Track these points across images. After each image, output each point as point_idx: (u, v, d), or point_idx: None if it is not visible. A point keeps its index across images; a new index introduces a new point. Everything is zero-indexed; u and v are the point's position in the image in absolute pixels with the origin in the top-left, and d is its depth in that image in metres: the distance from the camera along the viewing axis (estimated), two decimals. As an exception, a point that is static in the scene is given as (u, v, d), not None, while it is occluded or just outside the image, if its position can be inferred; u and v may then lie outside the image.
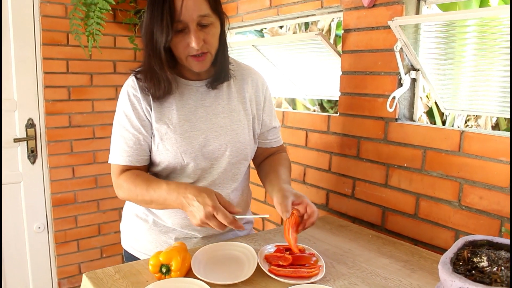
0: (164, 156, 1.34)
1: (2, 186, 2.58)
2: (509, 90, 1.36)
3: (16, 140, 2.55)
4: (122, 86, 1.38)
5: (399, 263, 1.29)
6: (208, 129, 1.36)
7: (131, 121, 1.32)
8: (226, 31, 1.34)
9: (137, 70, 1.36)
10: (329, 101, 4.29)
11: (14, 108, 2.55)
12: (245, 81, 1.45)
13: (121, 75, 2.82)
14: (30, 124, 2.60)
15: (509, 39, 1.28)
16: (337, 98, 1.83)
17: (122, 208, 1.77)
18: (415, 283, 1.17)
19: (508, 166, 1.28)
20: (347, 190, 1.78)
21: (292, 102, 4.36)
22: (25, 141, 2.60)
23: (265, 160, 1.54)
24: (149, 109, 1.32)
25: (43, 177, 2.70)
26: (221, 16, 1.30)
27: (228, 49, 1.38)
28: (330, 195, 1.87)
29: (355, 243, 1.44)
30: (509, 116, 1.38)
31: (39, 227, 2.74)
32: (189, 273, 1.18)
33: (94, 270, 1.21)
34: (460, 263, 0.95)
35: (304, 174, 2.00)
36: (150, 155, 1.36)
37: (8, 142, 2.55)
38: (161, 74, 1.28)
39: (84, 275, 1.19)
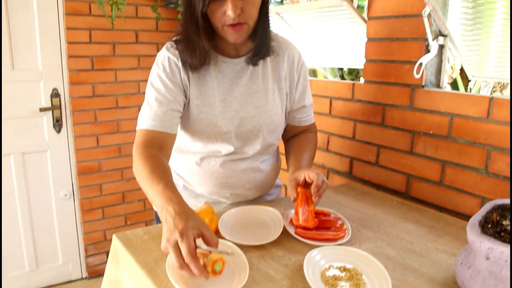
0: (198, 132, 1.35)
1: (30, 154, 2.64)
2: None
3: (42, 110, 2.60)
4: (144, 56, 1.37)
5: (424, 229, 1.30)
6: (242, 109, 1.34)
7: (167, 86, 1.27)
8: (269, 3, 1.28)
9: (175, 39, 1.31)
10: (350, 73, 4.23)
11: (39, 78, 2.58)
12: (281, 58, 1.38)
13: (143, 44, 2.82)
14: (55, 94, 2.63)
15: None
16: (361, 67, 1.81)
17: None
18: (441, 247, 1.18)
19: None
20: (371, 158, 1.78)
21: (313, 74, 4.32)
22: (51, 111, 2.64)
23: (293, 139, 1.52)
24: (187, 81, 1.29)
25: (68, 146, 2.75)
26: None
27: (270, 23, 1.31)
28: (353, 162, 1.87)
29: (380, 209, 1.45)
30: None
31: (65, 195, 2.80)
32: (216, 235, 1.20)
33: (123, 231, 1.24)
34: (489, 226, 0.95)
35: (328, 142, 2.00)
36: (179, 125, 1.34)
37: (34, 111, 2.59)
38: (198, 42, 1.23)
39: (114, 236, 1.23)
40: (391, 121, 1.68)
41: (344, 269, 1.02)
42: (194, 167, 1.43)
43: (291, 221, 1.27)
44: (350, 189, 1.63)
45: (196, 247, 0.93)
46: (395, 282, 0.98)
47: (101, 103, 2.78)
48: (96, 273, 3.01)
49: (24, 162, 2.63)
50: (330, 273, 1.01)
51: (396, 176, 1.68)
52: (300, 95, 1.44)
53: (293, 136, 1.52)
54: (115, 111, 2.84)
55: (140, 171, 1.15)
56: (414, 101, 1.59)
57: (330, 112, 1.97)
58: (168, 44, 1.32)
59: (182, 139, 1.41)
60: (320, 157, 2.04)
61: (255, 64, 1.33)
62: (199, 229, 0.95)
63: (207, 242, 0.96)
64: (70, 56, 2.62)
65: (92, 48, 2.68)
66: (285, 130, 1.51)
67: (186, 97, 1.31)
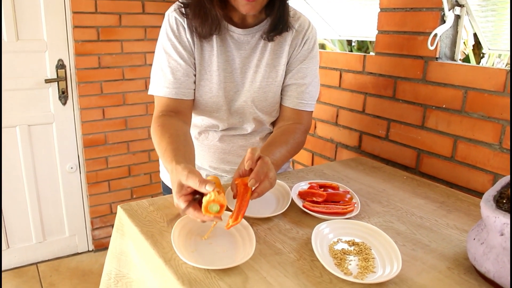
0: (197, 101, 1.31)
1: (36, 126, 2.63)
2: None
3: (47, 81, 2.57)
4: (151, 27, 1.33)
5: (434, 204, 1.27)
6: (240, 82, 1.30)
7: (178, 50, 1.23)
8: None
9: (184, 2, 1.24)
10: (359, 48, 4.15)
11: (44, 48, 2.55)
12: (289, 32, 1.28)
13: (150, 15, 2.77)
14: (61, 65, 2.60)
15: None
16: (372, 39, 1.75)
17: (151, 150, 1.78)
18: (451, 223, 1.15)
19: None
20: (381, 132, 1.74)
21: (322, 48, 4.25)
22: (56, 82, 2.61)
23: (276, 130, 1.33)
24: (192, 44, 1.25)
25: (74, 118, 2.74)
26: None
27: None
28: (363, 137, 1.84)
29: (389, 183, 1.42)
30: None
31: (71, 167, 2.80)
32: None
33: (128, 203, 1.23)
34: (504, 201, 0.92)
35: (337, 116, 1.96)
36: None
37: (39, 83, 2.57)
38: (210, 9, 1.18)
39: (119, 207, 1.21)
40: (402, 94, 1.64)
41: (353, 243, 1.00)
42: (193, 141, 1.42)
43: (299, 194, 1.24)
44: (359, 164, 1.60)
45: (193, 198, 0.96)
46: (405, 257, 0.96)
47: (107, 75, 2.75)
48: (102, 246, 3.03)
49: (30, 134, 2.62)
50: (339, 247, 0.99)
51: (406, 151, 1.65)
52: (297, 72, 1.30)
53: (279, 126, 1.35)
54: (121, 83, 2.81)
55: (156, 140, 1.18)
56: (427, 74, 1.54)
57: (339, 85, 1.93)
58: (175, 5, 1.27)
59: None
60: (329, 131, 2.01)
61: (271, 39, 1.26)
62: (184, 185, 0.96)
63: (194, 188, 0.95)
64: (75, 27, 2.58)
65: (98, 19, 2.64)
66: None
67: (194, 59, 1.27)
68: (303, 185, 1.30)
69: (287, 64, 1.31)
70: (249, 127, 1.38)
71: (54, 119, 2.67)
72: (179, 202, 0.95)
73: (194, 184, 0.94)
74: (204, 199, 0.93)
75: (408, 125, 1.63)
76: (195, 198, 0.97)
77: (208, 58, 1.26)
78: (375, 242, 1.00)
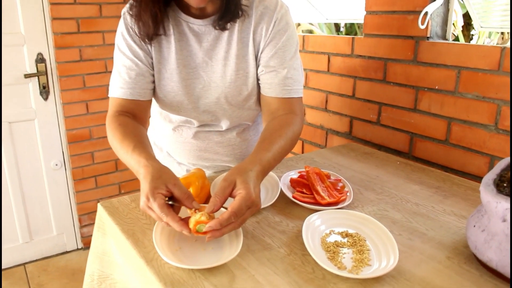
0: (161, 101, 1.23)
1: (17, 123, 2.54)
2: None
3: (27, 76, 2.48)
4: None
5: (430, 190, 1.21)
6: (207, 77, 1.19)
7: (132, 49, 1.15)
8: None
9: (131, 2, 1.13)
10: (347, 33, 4.09)
11: (22, 42, 2.45)
12: (255, 15, 1.15)
13: (130, 5, 2.68)
14: (40, 59, 2.51)
15: None
16: (360, 21, 1.69)
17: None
18: (448, 209, 1.10)
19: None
20: (372, 117, 1.68)
21: (310, 33, 4.18)
22: (36, 77, 2.53)
23: (269, 125, 1.15)
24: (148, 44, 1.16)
25: (57, 113, 2.65)
26: None
27: None
28: (354, 122, 1.78)
29: (382, 169, 1.36)
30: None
31: (56, 164, 2.72)
32: (207, 200, 1.12)
33: (109, 199, 1.16)
34: (504, 185, 0.87)
35: (326, 101, 1.90)
36: (153, 89, 1.21)
37: (18, 78, 2.48)
38: (152, 7, 1.07)
39: (99, 204, 1.15)
40: (393, 76, 1.58)
41: (346, 235, 0.95)
42: (170, 136, 1.37)
43: (291, 181, 1.18)
44: (350, 150, 1.55)
45: (168, 205, 0.88)
46: (402, 247, 0.91)
47: (89, 68, 2.66)
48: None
49: (12, 132, 2.54)
50: (331, 239, 0.93)
51: (399, 135, 1.59)
52: (270, 55, 1.16)
53: (273, 118, 1.18)
54: (105, 76, 2.72)
55: (112, 142, 1.10)
56: (418, 55, 1.48)
57: (328, 70, 1.86)
58: (128, 4, 1.17)
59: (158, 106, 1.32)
60: (319, 117, 1.95)
61: (223, 28, 1.13)
62: (166, 187, 0.89)
63: (177, 200, 0.90)
64: (54, 18, 2.49)
65: (77, 9, 2.54)
66: (261, 108, 1.26)
67: (152, 58, 1.18)
68: (292, 175, 1.24)
69: (260, 51, 1.17)
70: (223, 124, 1.30)
71: (36, 115, 2.59)
72: (153, 203, 0.86)
73: (181, 193, 0.89)
74: (193, 219, 0.86)
75: (400, 108, 1.57)
76: (171, 203, 0.90)
77: (166, 55, 1.17)
78: (369, 233, 0.95)
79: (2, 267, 2.75)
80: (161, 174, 0.91)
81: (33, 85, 2.53)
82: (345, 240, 0.93)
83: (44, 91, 2.56)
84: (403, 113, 1.56)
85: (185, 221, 0.87)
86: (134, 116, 1.17)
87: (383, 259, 0.85)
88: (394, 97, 1.59)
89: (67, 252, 2.93)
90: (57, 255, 2.91)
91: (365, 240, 0.92)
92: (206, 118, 1.27)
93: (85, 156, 2.79)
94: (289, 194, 1.12)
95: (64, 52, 2.55)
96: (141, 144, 1.04)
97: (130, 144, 1.02)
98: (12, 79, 2.46)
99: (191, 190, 1.06)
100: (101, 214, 1.13)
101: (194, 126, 1.30)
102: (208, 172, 1.39)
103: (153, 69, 1.19)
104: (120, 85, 1.16)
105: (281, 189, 1.14)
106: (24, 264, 2.81)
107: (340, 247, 0.90)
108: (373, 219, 0.97)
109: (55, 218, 2.83)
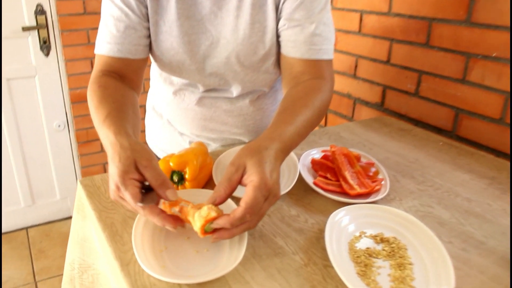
0: (158, 60, 1.02)
1: (16, 80, 2.35)
2: None
3: (25, 29, 2.27)
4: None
5: (483, 181, 0.98)
6: (215, 32, 0.97)
7: None
8: None
9: None
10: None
11: (20, -9, 2.23)
12: None
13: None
14: (40, 11, 2.29)
15: None
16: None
17: (145, 105, 1.52)
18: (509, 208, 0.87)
19: None
20: (410, 87, 1.43)
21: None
22: (36, 30, 2.31)
23: (292, 91, 0.92)
24: None
25: (59, 71, 2.45)
26: None
27: None
28: (387, 92, 1.53)
29: (422, 151, 1.13)
30: None
31: (59, 125, 2.55)
32: (209, 184, 0.92)
33: (91, 176, 0.97)
34: None
35: (356, 67, 1.64)
36: (148, 45, 1.00)
37: (16, 31, 2.27)
38: None
39: (78, 182, 0.96)
40: (438, 40, 1.32)
41: (382, 240, 0.73)
42: (170, 101, 1.15)
43: (312, 163, 0.97)
44: (383, 125, 1.31)
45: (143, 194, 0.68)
46: (454, 261, 0.68)
47: (94, 22, 2.43)
48: (97, 209, 2.82)
49: (10, 89, 2.36)
50: (362, 244, 0.72)
51: (441, 110, 1.35)
52: (294, 9, 0.93)
53: (296, 84, 0.95)
54: (111, 32, 2.49)
55: (90, 109, 0.87)
56: (472, 14, 1.22)
57: (359, 30, 1.60)
58: None
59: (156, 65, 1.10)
60: (346, 85, 1.70)
61: None
62: (137, 170, 0.68)
63: (150, 184, 0.68)
64: (55, -35, 2.25)
65: (81, -45, 2.30)
66: (282, 71, 1.03)
67: (147, 7, 0.96)
68: (314, 154, 1.02)
69: (282, 1, 0.94)
70: (234, 90, 1.07)
71: (36, 72, 2.39)
72: (125, 193, 0.66)
73: (152, 176, 0.68)
74: (200, 217, 0.65)
75: (445, 78, 1.32)
76: (145, 190, 0.70)
77: (165, 4, 0.94)
78: (411, 238, 0.73)
79: (4, 231, 2.64)
80: (131, 153, 0.69)
81: (32, 39, 2.32)
82: (380, 247, 0.72)
83: (45, 46, 2.35)
84: (448, 84, 1.31)
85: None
86: (122, 78, 0.95)
87: (431, 279, 0.64)
88: (438, 64, 1.33)
89: (70, 217, 2.79)
90: (60, 220, 2.78)
91: (406, 249, 0.71)
92: (213, 82, 1.05)
93: (89, 118, 2.57)
94: (309, 179, 0.91)
95: (66, 3, 2.32)
96: (116, 113, 0.81)
97: (103, 111, 0.81)
98: (8, 32, 2.25)
99: (187, 170, 0.86)
100: (80, 194, 0.94)
101: (199, 91, 1.09)
102: (214, 146, 1.18)
103: (147, 21, 0.96)
104: (106, 39, 0.94)
105: (299, 171, 0.92)
106: (26, 228, 2.70)
107: (374, 257, 0.69)
108: (416, 221, 0.75)
109: (59, 182, 2.68)
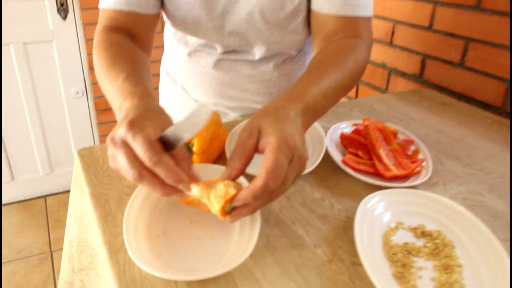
0: (171, 17, 0.89)
1: (33, 44, 2.26)
2: None
3: (42, -10, 2.17)
4: None
5: (541, 164, 0.84)
6: None
7: None
8: None
9: None
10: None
11: (37, -52, 2.12)
12: None
13: None
14: (57, -29, 2.18)
15: None
16: None
17: (158, 73, 1.43)
18: None
19: None
20: (455, 56, 1.27)
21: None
22: (53, -8, 2.21)
23: (324, 51, 0.80)
24: None
25: (77, 35, 2.35)
26: None
27: None
28: (427, 62, 1.36)
29: (468, 129, 0.99)
30: None
31: (77, 92, 2.46)
32: (220, 158, 0.80)
33: (90, 146, 0.87)
34: None
35: (393, 33, 1.48)
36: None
37: (32, -9, 2.17)
38: None
39: (75, 152, 0.85)
40: (492, 2, 1.15)
41: (423, 233, 0.61)
42: (184, 64, 1.02)
43: (342, 138, 0.84)
44: (422, 98, 1.17)
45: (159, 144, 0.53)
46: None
47: (113, -16, 2.31)
48: (115, 179, 2.76)
49: (27, 54, 2.27)
50: (399, 238, 0.60)
51: (490, 83, 1.18)
52: None
53: (329, 43, 0.82)
54: (131, -5, 2.37)
55: (97, 67, 0.75)
56: (535, -30, 1.05)
57: (398, -8, 1.44)
58: None
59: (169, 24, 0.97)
60: (380, 53, 1.54)
61: None
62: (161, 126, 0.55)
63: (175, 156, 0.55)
64: None
65: None
66: (312, 30, 0.89)
67: None
68: (344, 128, 0.89)
69: None
70: (256, 51, 0.94)
71: (53, 37, 2.29)
72: (137, 136, 0.52)
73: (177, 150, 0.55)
74: (217, 198, 0.53)
75: (496, 47, 1.15)
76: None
77: None
78: (459, 233, 0.60)
79: (22, 199, 2.61)
80: (157, 116, 0.57)
81: (49, 2, 2.22)
82: (421, 243, 0.59)
83: (62, 9, 2.25)
84: (499, 53, 1.15)
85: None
86: (131, 36, 0.84)
87: (485, 285, 0.51)
88: (489, 30, 1.16)
89: (89, 187, 2.75)
90: (78, 189, 2.73)
91: (453, 247, 0.58)
92: (232, 43, 0.92)
93: (108, 86, 2.51)
94: (337, 156, 0.78)
95: (86, -38, 2.21)
96: (136, 73, 0.70)
97: (123, 71, 0.68)
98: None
99: (195, 142, 0.74)
100: (77, 166, 0.84)
101: (217, 52, 0.96)
102: (233, 115, 1.06)
103: None
104: None
105: (326, 147, 0.80)
106: (44, 196, 2.66)
107: (414, 255, 0.57)
108: (465, 211, 0.62)
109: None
